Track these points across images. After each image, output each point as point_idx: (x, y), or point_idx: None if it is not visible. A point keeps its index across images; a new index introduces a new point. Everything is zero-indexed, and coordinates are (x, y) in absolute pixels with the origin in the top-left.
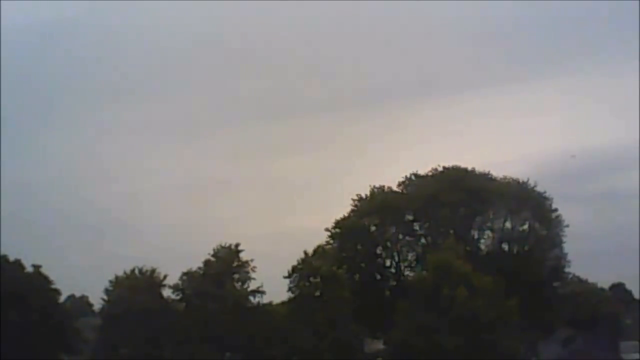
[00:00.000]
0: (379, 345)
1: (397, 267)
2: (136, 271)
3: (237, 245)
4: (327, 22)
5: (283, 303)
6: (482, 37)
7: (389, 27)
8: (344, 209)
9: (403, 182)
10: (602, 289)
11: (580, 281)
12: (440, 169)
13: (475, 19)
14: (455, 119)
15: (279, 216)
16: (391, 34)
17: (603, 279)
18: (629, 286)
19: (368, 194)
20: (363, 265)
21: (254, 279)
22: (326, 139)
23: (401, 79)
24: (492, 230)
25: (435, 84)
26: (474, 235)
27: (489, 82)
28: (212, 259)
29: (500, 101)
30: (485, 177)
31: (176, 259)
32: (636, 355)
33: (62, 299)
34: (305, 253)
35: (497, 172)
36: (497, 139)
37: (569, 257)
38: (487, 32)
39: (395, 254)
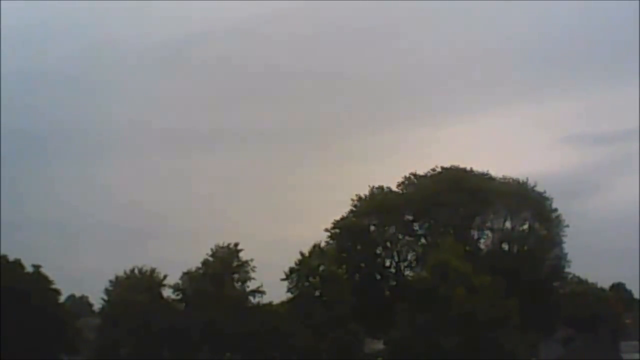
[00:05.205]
0: (379, 345)
1: (397, 267)
2: (136, 271)
3: (236, 244)
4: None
5: (283, 303)
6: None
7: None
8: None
9: (402, 182)
10: (602, 289)
11: (580, 281)
12: (439, 169)
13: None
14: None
15: (280, 222)
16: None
17: (603, 279)
18: (629, 286)
19: (367, 194)
20: (363, 265)
21: (253, 279)
22: (327, 144)
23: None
24: (491, 230)
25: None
26: (473, 235)
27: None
28: (211, 259)
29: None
30: (485, 177)
31: (176, 259)
32: (636, 355)
33: (62, 299)
34: (302, 254)
35: (496, 172)
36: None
37: (569, 257)
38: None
39: (394, 254)
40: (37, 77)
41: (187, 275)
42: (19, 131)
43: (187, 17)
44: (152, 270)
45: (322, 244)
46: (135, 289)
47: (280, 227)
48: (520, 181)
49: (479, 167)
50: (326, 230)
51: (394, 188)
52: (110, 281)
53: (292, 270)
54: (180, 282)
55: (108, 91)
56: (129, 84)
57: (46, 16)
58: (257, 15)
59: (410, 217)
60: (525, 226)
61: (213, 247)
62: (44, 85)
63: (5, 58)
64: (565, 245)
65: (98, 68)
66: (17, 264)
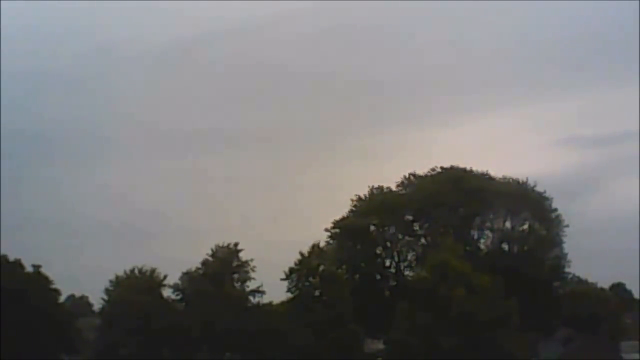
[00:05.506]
0: (379, 345)
1: (397, 267)
2: (136, 271)
3: (236, 244)
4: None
5: (283, 303)
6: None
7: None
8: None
9: (402, 183)
10: (602, 289)
11: (580, 281)
12: (439, 169)
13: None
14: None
15: (280, 222)
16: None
17: (603, 279)
18: (629, 286)
19: (367, 194)
20: (363, 265)
21: (253, 278)
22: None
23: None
24: (491, 230)
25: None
26: (473, 235)
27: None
28: (211, 258)
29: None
30: (485, 177)
31: (176, 259)
32: (636, 355)
33: (62, 299)
34: (302, 254)
35: (496, 173)
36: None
37: (569, 257)
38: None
39: (394, 254)
40: (38, 77)
41: (187, 275)
42: (19, 131)
43: (189, 18)
44: (152, 270)
45: (322, 244)
46: (135, 289)
47: (280, 227)
48: (520, 181)
49: (479, 167)
50: (326, 230)
51: (394, 188)
52: (110, 281)
53: (292, 270)
54: (180, 282)
55: (108, 91)
56: (130, 84)
57: (48, 17)
58: (258, 16)
59: (410, 217)
60: (525, 226)
61: (213, 247)
62: (44, 86)
63: (8, 58)
64: (565, 245)
65: (99, 68)
66: (17, 264)
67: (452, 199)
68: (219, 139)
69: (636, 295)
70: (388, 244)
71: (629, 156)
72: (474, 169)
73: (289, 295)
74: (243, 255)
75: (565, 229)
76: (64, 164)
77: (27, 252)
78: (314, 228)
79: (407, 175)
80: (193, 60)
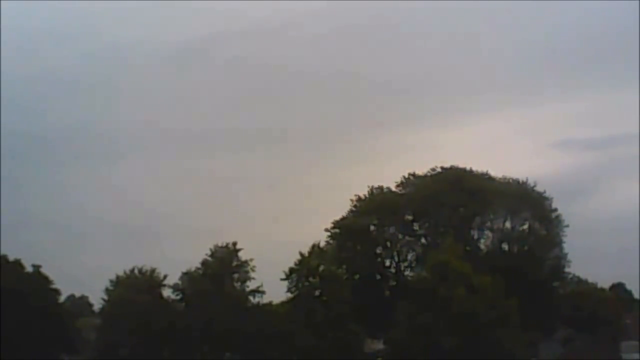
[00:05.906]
0: (379, 345)
1: (397, 267)
2: (136, 271)
3: (234, 244)
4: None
5: (283, 303)
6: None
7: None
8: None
9: (402, 183)
10: (602, 289)
11: (580, 281)
12: (439, 169)
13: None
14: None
15: (280, 222)
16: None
17: (603, 279)
18: (629, 286)
19: (367, 194)
20: (363, 265)
21: (253, 278)
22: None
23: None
24: (491, 230)
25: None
26: (473, 235)
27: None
28: (210, 259)
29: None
30: (485, 177)
31: (176, 259)
32: (636, 355)
33: (62, 299)
34: (301, 254)
35: (496, 172)
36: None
37: (569, 257)
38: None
39: (394, 254)
40: (40, 77)
41: (187, 275)
42: (20, 131)
43: (193, 20)
44: (152, 270)
45: (322, 244)
46: (135, 289)
47: (280, 227)
48: (520, 181)
49: (479, 167)
50: (326, 230)
51: (393, 188)
52: (111, 281)
53: (292, 270)
54: (180, 282)
55: (110, 92)
56: (132, 85)
57: (53, 17)
58: (257, 17)
59: (410, 217)
60: (525, 226)
61: (212, 247)
62: (46, 86)
63: (11, 58)
64: (565, 245)
65: (102, 69)
66: (17, 264)
67: (452, 199)
68: (219, 139)
69: (636, 295)
70: (388, 244)
71: (629, 157)
72: (474, 169)
73: (289, 295)
74: (243, 255)
75: (565, 229)
76: (64, 164)
77: (27, 252)
78: (314, 228)
79: (407, 175)
80: (194, 62)
